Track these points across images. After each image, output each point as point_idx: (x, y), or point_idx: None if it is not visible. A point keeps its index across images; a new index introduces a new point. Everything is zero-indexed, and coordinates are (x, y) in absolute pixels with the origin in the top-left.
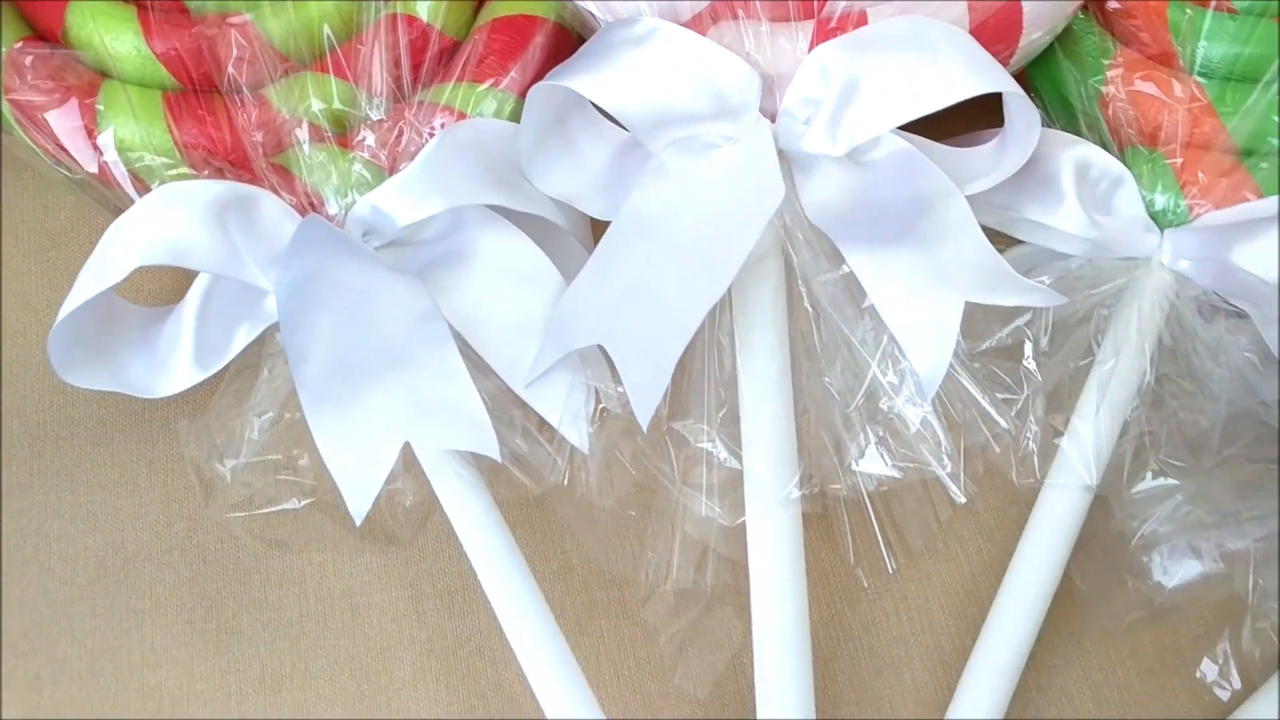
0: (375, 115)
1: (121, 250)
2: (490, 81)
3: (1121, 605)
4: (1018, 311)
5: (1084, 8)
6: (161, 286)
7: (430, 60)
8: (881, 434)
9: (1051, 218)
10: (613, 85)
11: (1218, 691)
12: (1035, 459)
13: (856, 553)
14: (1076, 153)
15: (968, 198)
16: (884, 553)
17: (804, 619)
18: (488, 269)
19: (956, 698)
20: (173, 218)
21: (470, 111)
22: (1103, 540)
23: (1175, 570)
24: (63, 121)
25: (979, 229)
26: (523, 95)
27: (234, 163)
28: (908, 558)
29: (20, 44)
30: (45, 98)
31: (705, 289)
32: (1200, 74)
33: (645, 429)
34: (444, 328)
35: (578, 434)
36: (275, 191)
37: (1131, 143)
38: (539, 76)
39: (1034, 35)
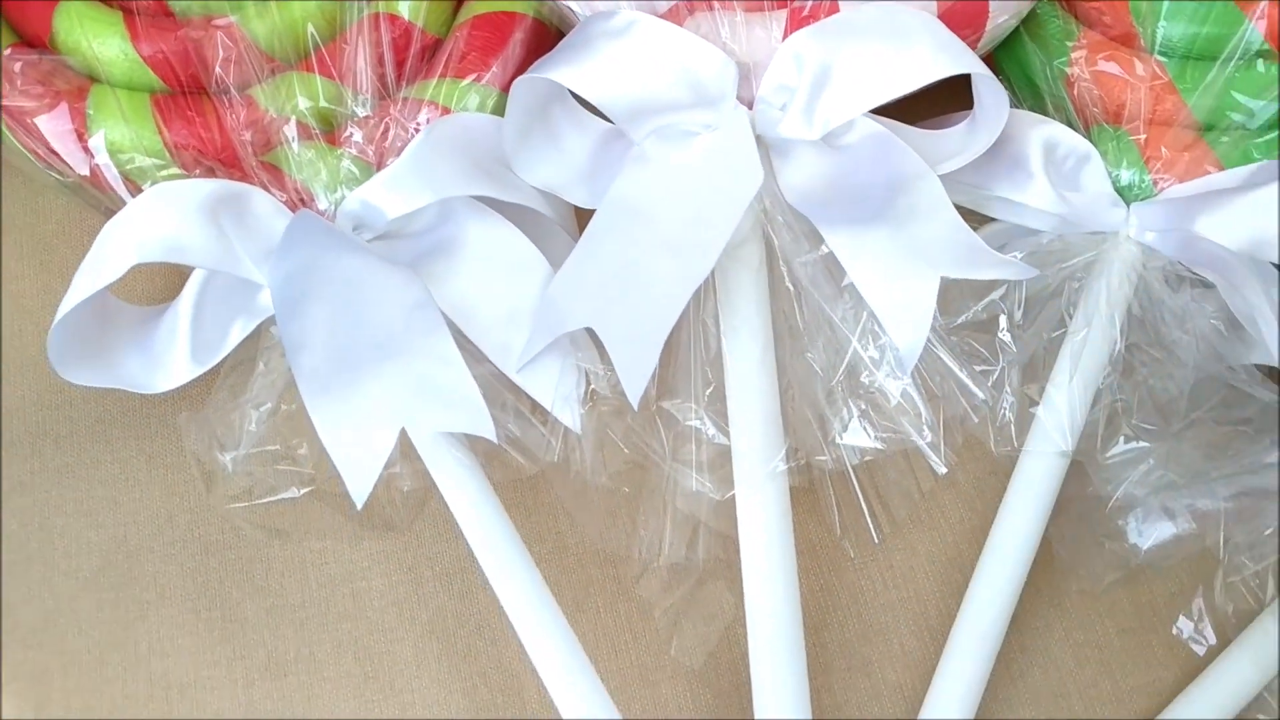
0: (361, 112)
1: (117, 249)
2: (473, 77)
3: (1099, 567)
4: (992, 286)
5: None
6: (154, 288)
7: (413, 57)
8: (864, 407)
9: (1022, 195)
10: (594, 76)
11: (1194, 646)
12: (1012, 428)
13: (843, 524)
14: (1044, 132)
15: (940, 177)
16: (869, 523)
17: (794, 589)
18: (476, 258)
19: (943, 660)
20: (167, 216)
21: (454, 106)
22: (1079, 505)
23: (1150, 531)
24: (53, 126)
25: (952, 207)
26: (504, 89)
27: (224, 162)
28: (892, 528)
29: (9, 50)
30: (35, 103)
31: (689, 272)
32: (1161, 53)
33: (635, 408)
34: (437, 315)
35: (570, 415)
36: (266, 189)
37: (1097, 121)
38: (520, 71)
39: (1000, 20)
